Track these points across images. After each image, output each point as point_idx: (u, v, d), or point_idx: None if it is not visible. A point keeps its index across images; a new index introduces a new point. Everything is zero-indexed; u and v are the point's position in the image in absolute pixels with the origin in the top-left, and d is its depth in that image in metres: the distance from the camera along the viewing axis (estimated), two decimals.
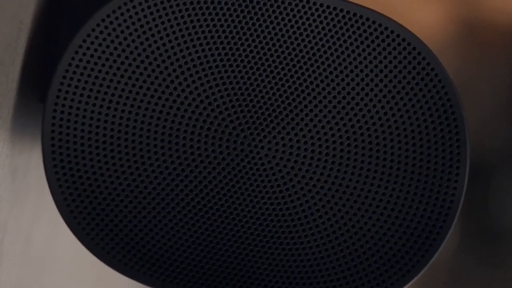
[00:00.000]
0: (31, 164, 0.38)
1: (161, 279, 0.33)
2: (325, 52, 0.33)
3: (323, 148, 0.33)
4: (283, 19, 0.33)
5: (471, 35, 1.02)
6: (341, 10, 0.33)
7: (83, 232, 0.33)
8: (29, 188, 0.38)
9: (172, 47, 0.33)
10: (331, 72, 0.33)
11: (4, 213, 0.34)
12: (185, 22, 0.33)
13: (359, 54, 0.33)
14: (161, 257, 0.33)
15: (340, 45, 0.33)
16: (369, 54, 0.33)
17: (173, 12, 0.33)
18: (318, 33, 0.33)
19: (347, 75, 0.33)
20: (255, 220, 0.34)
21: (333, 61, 0.33)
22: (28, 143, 0.36)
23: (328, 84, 0.33)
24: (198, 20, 0.33)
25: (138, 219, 0.33)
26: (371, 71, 0.33)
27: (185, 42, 0.33)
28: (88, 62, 0.33)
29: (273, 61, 0.33)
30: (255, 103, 0.33)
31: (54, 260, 0.44)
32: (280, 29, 0.33)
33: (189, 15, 0.33)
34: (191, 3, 0.33)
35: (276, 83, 0.33)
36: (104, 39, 0.33)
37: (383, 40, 0.33)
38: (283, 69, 0.33)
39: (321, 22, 0.33)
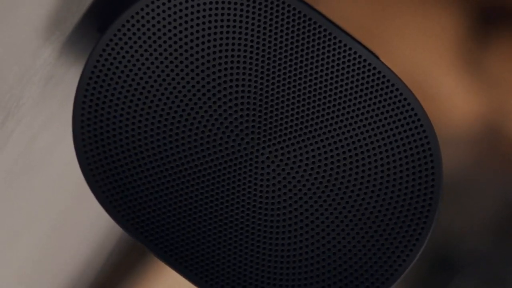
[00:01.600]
0: (65, 81, 0.40)
1: (160, 246, 0.37)
2: (323, 84, 0.36)
3: (314, 168, 0.36)
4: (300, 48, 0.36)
5: None
6: (350, 49, 0.36)
7: (99, 189, 0.36)
8: (54, 98, 0.40)
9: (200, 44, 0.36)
10: (326, 104, 0.36)
11: (25, 108, 0.36)
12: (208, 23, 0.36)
13: (351, 92, 0.36)
14: (164, 225, 0.36)
15: (337, 82, 0.36)
16: (360, 91, 0.36)
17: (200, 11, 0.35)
18: (321, 69, 0.36)
19: (339, 109, 0.36)
20: (246, 214, 0.37)
21: (330, 94, 0.36)
22: (71, 62, 0.39)
23: (322, 114, 0.36)
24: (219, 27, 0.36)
25: (150, 189, 0.36)
26: (361, 106, 0.36)
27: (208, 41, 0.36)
28: (130, 39, 0.35)
29: (284, 82, 0.36)
30: (266, 114, 0.36)
31: (47, 167, 0.47)
32: (296, 58, 0.36)
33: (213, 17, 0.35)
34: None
35: (285, 106, 0.36)
36: (148, 22, 0.35)
37: (372, 80, 0.36)
38: (293, 92, 0.36)
39: (325, 58, 0.36)
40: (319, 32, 0.36)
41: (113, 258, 0.96)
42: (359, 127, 0.36)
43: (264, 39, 0.36)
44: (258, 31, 0.36)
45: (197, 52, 0.35)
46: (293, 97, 0.36)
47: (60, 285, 0.74)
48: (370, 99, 0.36)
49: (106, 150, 0.35)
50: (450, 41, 0.97)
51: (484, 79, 0.98)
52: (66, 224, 0.62)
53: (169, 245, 0.37)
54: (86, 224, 0.70)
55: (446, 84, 0.99)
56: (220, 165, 0.36)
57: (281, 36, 0.36)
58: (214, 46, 0.35)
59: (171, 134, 0.36)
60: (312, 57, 0.36)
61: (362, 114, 0.36)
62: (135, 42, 0.35)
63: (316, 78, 0.36)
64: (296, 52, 0.36)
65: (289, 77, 0.36)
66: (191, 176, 0.36)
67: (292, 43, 0.36)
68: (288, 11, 0.36)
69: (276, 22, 0.36)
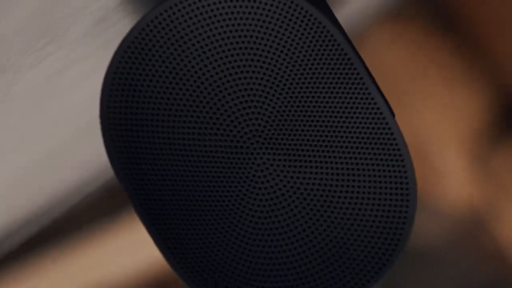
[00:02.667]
0: (114, 29, 0.42)
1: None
2: (332, 117, 0.38)
3: (306, 179, 0.38)
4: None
5: None
6: (370, 95, 0.37)
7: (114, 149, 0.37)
8: (97, 40, 0.42)
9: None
10: (328, 131, 0.38)
11: (69, 39, 0.38)
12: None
13: (355, 132, 0.38)
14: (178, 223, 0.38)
15: (346, 121, 0.37)
16: (365, 138, 0.38)
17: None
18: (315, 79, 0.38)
19: (338, 140, 0.38)
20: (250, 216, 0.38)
21: (335, 126, 0.38)
22: (127, 13, 0.40)
23: (322, 138, 0.38)
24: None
25: (159, 165, 0.38)
26: (359, 148, 0.38)
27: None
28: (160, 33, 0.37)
29: (297, 102, 0.37)
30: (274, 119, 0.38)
31: (66, 98, 0.49)
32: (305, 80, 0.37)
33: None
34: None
35: (292, 121, 0.38)
36: (178, 18, 0.37)
37: (379, 133, 0.38)
38: (302, 111, 0.38)
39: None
40: (349, 69, 0.37)
41: (91, 200, 0.98)
42: (350, 158, 0.37)
43: (290, 56, 0.37)
44: (289, 50, 0.37)
45: (225, 51, 0.37)
46: (301, 116, 0.37)
47: (33, 208, 0.76)
48: (372, 148, 0.38)
49: (128, 117, 0.37)
50: (471, 124, 0.98)
51: (488, 174, 0.99)
52: (61, 155, 0.63)
53: (158, 217, 0.38)
54: (79, 162, 0.71)
55: (451, 161, 1.00)
56: (224, 157, 0.38)
57: (307, 58, 0.37)
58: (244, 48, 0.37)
59: (188, 120, 0.37)
60: (330, 89, 0.37)
61: (357, 153, 0.38)
62: (176, 29, 0.37)
63: (328, 108, 0.38)
64: (317, 79, 0.37)
65: (304, 98, 0.37)
66: (198, 157, 0.38)
67: (315, 67, 0.37)
68: (323, 36, 0.37)
69: (308, 43, 0.37)
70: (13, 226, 0.82)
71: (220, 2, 0.36)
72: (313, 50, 0.37)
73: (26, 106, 0.44)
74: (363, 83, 0.37)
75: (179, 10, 0.36)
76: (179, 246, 0.38)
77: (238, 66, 0.37)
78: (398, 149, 0.37)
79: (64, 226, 1.06)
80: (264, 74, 0.37)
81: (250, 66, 0.37)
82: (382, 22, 0.98)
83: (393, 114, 0.38)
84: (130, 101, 0.37)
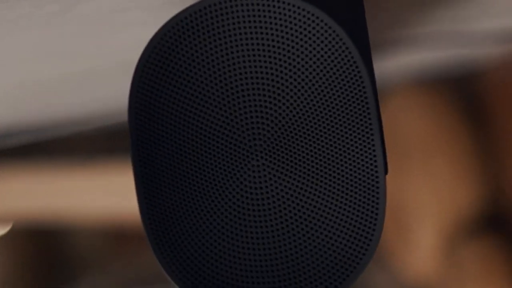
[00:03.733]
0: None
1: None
2: (327, 146, 0.39)
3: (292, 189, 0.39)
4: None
5: None
6: (371, 142, 0.39)
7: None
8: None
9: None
10: (317, 150, 0.39)
11: None
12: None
13: (343, 170, 0.39)
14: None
15: (340, 155, 0.39)
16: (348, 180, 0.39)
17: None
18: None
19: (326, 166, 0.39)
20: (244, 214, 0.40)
21: (327, 154, 0.39)
22: None
23: (313, 156, 0.39)
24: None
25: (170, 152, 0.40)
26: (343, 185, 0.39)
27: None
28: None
29: (301, 119, 0.39)
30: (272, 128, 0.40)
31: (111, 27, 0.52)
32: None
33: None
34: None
35: (290, 132, 0.39)
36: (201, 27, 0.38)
37: (364, 183, 0.39)
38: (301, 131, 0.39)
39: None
40: (363, 111, 0.39)
41: (94, 134, 1.00)
42: (333, 183, 0.39)
43: (311, 80, 0.39)
44: (313, 73, 0.39)
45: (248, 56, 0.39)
46: (302, 135, 0.39)
47: (45, 117, 0.79)
48: (355, 191, 0.39)
49: (153, 102, 0.39)
50: (454, 210, 1.01)
51: (454, 260, 1.01)
52: (91, 81, 0.66)
53: (158, 215, 0.40)
54: (103, 94, 0.74)
55: (425, 235, 1.02)
56: (225, 154, 0.39)
57: (328, 87, 0.39)
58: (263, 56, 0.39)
59: (202, 115, 0.39)
60: (338, 121, 0.39)
61: (340, 184, 0.39)
62: (203, 31, 0.38)
63: (328, 139, 0.39)
64: (330, 108, 0.39)
65: (310, 119, 0.39)
66: (204, 149, 0.39)
67: (332, 97, 0.39)
68: (351, 71, 0.39)
69: (334, 72, 0.39)
70: (25, 126, 0.84)
71: (254, 12, 0.38)
72: (336, 79, 0.39)
73: (83, 25, 0.47)
74: (371, 130, 0.39)
75: (213, 11, 0.38)
76: (164, 226, 0.40)
77: (258, 77, 0.39)
78: (377, 208, 0.39)
79: (59, 145, 1.08)
80: (280, 90, 0.39)
81: (269, 79, 0.39)
82: (409, 85, 1.01)
83: (386, 171, 0.39)
84: (157, 88, 0.39)
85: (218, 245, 0.39)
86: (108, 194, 1.10)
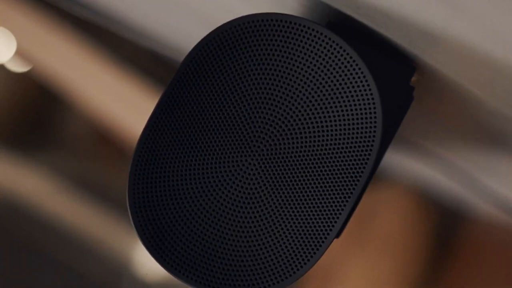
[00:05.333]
0: None
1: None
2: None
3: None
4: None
5: None
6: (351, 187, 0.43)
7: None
8: None
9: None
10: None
11: None
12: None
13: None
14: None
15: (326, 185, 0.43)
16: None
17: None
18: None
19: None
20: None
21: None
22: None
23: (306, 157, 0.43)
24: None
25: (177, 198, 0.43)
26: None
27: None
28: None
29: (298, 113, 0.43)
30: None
31: None
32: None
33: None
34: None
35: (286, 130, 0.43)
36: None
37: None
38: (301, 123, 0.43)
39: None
40: (354, 174, 0.42)
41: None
42: (310, 201, 0.43)
43: (324, 107, 0.42)
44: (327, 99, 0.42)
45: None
46: (301, 151, 0.43)
47: None
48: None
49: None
50: None
51: None
52: None
53: (154, 226, 0.43)
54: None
55: None
56: (227, 151, 0.43)
57: (342, 119, 0.42)
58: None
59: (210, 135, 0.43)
60: (328, 164, 0.42)
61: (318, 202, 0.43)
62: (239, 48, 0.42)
63: (315, 171, 0.43)
64: (328, 141, 0.42)
65: (309, 147, 0.43)
66: (208, 142, 0.43)
67: (340, 129, 0.42)
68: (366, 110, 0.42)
69: (352, 107, 0.42)
70: None
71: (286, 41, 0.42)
72: (349, 129, 0.42)
73: None
74: (350, 194, 0.42)
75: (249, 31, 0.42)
76: (147, 199, 0.43)
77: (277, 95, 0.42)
78: (314, 253, 0.43)
79: (103, 34, 1.10)
80: (293, 112, 0.42)
81: (287, 99, 0.42)
82: (402, 186, 1.04)
83: (338, 235, 0.43)
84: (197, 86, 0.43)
85: (195, 226, 0.43)
86: (112, 96, 1.12)
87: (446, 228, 1.04)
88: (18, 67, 1.32)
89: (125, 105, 1.13)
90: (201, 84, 0.43)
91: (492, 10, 0.33)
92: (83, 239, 1.65)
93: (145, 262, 1.68)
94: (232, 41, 0.42)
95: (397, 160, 0.83)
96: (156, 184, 0.43)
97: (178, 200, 0.43)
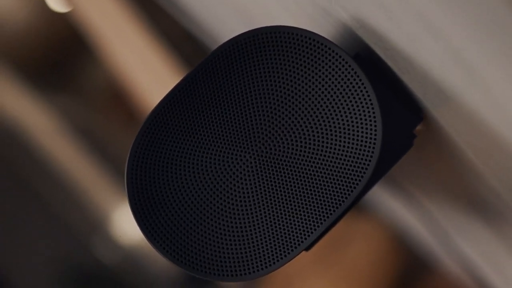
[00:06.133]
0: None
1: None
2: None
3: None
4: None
5: None
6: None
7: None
8: None
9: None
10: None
11: None
12: None
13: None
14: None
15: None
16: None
17: None
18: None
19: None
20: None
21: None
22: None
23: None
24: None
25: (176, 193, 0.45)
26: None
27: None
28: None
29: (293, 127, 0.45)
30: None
31: None
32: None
33: None
34: None
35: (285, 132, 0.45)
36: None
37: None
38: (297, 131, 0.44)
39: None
40: (343, 193, 0.44)
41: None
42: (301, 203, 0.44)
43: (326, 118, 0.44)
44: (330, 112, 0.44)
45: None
46: (297, 159, 0.45)
47: None
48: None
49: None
50: None
51: None
52: None
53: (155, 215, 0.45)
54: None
55: None
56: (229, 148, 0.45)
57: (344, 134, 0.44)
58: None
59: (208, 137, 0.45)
60: (321, 174, 0.44)
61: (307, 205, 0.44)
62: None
63: (307, 182, 0.44)
64: (324, 152, 0.44)
65: (306, 155, 0.44)
66: (211, 137, 0.45)
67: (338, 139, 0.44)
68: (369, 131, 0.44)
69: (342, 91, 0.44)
70: None
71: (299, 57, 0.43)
72: (352, 129, 0.44)
73: None
74: (338, 207, 0.44)
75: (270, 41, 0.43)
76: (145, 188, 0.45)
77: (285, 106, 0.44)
78: (284, 258, 0.44)
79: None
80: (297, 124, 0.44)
81: (292, 111, 0.44)
82: (376, 221, 1.05)
83: (308, 248, 0.45)
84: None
85: (192, 214, 0.45)
86: (139, 61, 1.13)
87: (410, 273, 1.05)
88: (59, 7, 1.34)
89: (148, 74, 1.14)
90: (222, 77, 0.44)
91: (504, 84, 0.35)
92: (71, 185, 1.67)
93: (122, 225, 1.69)
94: (261, 45, 0.44)
95: (382, 197, 0.84)
96: (157, 157, 0.45)
97: (174, 177, 0.45)
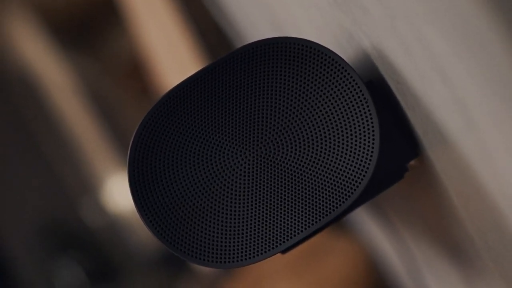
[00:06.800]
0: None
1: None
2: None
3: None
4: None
5: None
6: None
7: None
8: None
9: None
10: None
11: None
12: None
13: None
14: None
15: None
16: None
17: None
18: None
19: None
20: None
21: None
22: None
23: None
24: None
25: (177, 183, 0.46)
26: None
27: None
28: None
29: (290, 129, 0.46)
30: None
31: None
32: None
33: None
34: None
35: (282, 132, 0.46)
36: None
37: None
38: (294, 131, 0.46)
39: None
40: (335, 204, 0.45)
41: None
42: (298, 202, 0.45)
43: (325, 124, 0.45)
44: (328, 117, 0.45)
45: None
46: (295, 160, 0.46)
47: None
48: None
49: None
50: None
51: None
52: None
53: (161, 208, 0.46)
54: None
55: None
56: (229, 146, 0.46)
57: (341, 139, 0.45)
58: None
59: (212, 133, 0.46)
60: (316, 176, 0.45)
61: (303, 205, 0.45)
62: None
63: (302, 185, 0.45)
64: (321, 162, 0.45)
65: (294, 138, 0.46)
66: (212, 133, 0.46)
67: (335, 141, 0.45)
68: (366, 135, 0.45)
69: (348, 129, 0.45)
70: None
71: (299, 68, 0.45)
72: (348, 134, 0.45)
73: None
74: (321, 219, 0.45)
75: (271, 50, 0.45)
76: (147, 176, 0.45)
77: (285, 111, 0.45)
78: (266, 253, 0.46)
79: None
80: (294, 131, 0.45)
81: (294, 118, 0.45)
82: (356, 242, 1.06)
83: (285, 252, 0.46)
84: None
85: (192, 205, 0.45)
86: (164, 41, 1.13)
87: None
88: None
89: (169, 54, 1.14)
90: (240, 76, 0.46)
91: (496, 134, 0.36)
92: (73, 144, 1.68)
93: (112, 194, 1.70)
94: (284, 53, 0.45)
95: (364, 219, 0.85)
96: (163, 137, 0.45)
97: (175, 160, 0.46)
